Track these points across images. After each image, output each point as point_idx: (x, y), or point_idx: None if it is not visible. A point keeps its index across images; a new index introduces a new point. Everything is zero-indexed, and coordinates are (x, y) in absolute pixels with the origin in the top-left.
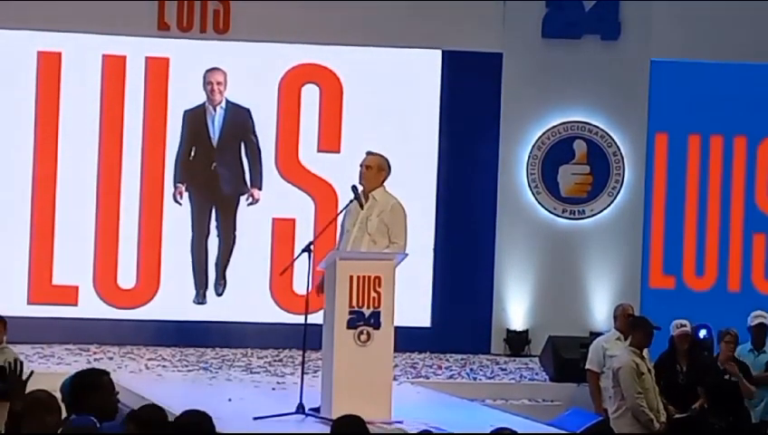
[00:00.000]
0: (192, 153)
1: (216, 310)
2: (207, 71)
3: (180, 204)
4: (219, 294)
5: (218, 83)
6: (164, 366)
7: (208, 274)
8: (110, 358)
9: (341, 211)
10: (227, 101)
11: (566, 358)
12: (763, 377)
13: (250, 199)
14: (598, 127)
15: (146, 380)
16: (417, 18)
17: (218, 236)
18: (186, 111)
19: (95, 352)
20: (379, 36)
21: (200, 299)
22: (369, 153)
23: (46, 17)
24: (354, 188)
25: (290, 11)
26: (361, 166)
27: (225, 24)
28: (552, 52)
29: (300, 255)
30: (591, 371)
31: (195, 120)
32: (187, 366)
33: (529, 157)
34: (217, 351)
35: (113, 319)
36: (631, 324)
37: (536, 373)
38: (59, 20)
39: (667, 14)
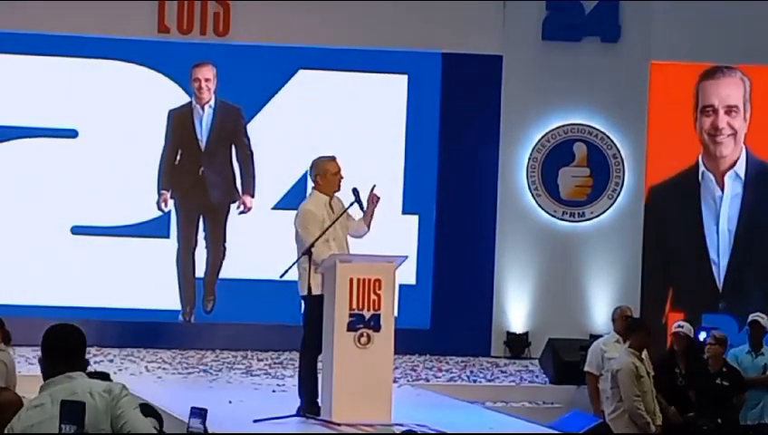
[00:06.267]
0: (178, 157)
1: (217, 312)
2: (194, 66)
3: (164, 212)
4: (208, 312)
5: (206, 80)
6: (164, 368)
7: (196, 289)
8: (111, 360)
9: (341, 213)
10: (217, 100)
11: (566, 360)
12: (757, 380)
13: (241, 208)
14: (598, 129)
15: (146, 382)
16: (417, 20)
17: (206, 247)
18: (171, 111)
19: (95, 354)
20: (380, 38)
21: (186, 317)
22: (336, 158)
23: (47, 19)
24: (356, 191)
25: (289, 12)
26: (337, 172)
27: (225, 26)
28: (551, 54)
29: (300, 257)
30: (590, 373)
31: (181, 120)
32: (187, 369)
33: (529, 159)
34: (218, 353)
35: (113, 321)
36: (629, 327)
37: (536, 376)
38: (60, 21)
39: (667, 17)
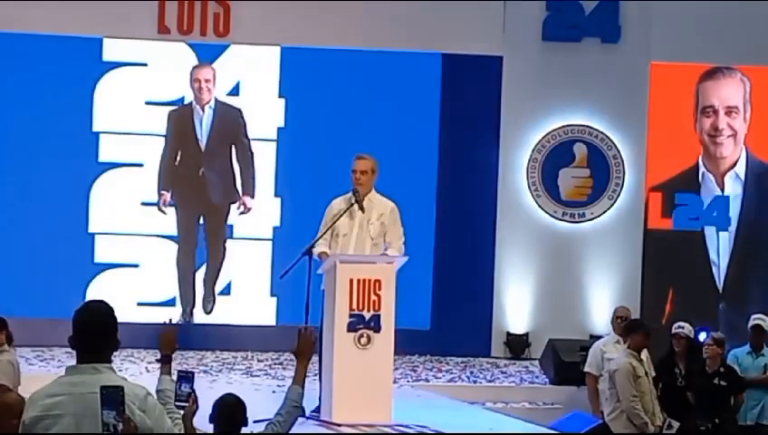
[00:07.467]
0: (178, 157)
1: (217, 313)
2: (194, 67)
3: (165, 213)
4: (208, 312)
5: (206, 81)
6: None
7: (196, 289)
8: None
9: (340, 215)
10: (217, 101)
11: (566, 361)
12: (756, 380)
13: (241, 208)
14: (598, 130)
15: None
16: (417, 21)
17: (207, 248)
18: (171, 112)
19: None
20: (380, 39)
21: (187, 318)
22: (360, 157)
23: (48, 19)
24: (356, 192)
25: (289, 12)
26: (355, 171)
27: (225, 26)
28: (552, 55)
29: (300, 258)
30: (590, 374)
31: (181, 120)
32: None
33: (529, 160)
34: (218, 354)
35: None
36: (627, 327)
37: (536, 376)
38: (60, 22)
39: (667, 17)
